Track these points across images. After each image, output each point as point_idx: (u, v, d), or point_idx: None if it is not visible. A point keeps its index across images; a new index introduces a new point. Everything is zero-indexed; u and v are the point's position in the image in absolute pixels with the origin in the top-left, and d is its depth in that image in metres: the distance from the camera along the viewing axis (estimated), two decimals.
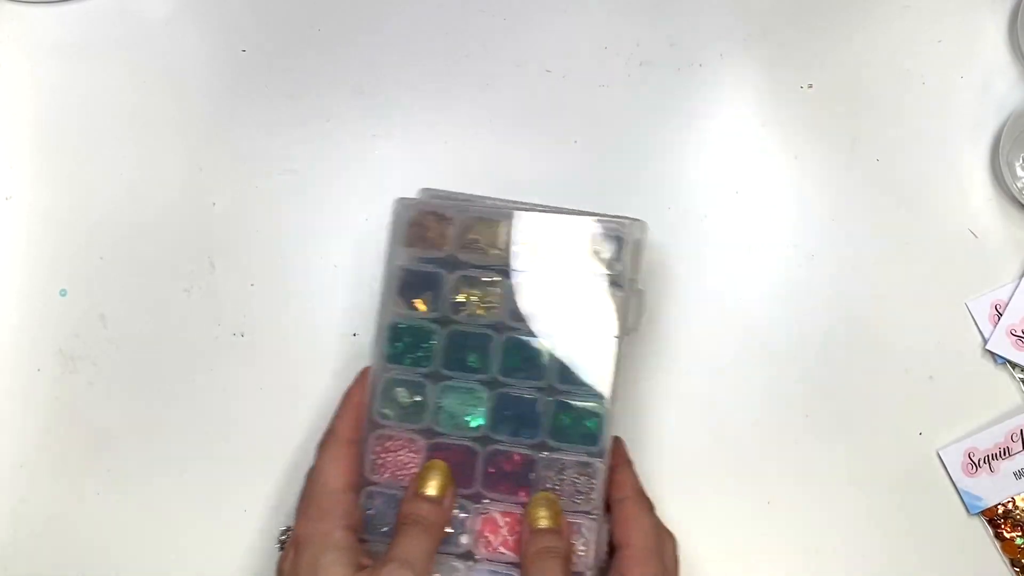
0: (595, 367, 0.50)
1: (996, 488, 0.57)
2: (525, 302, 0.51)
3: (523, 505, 0.49)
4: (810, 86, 0.61)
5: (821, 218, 0.60)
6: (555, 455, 0.50)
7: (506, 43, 0.61)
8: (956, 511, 0.58)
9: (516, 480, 0.50)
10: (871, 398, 0.58)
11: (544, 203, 0.52)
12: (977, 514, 0.57)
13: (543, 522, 0.48)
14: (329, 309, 0.58)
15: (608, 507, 0.50)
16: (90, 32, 0.61)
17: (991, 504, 0.57)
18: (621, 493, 0.50)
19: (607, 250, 0.51)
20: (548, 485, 0.50)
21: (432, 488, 0.49)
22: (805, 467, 0.57)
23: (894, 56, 0.61)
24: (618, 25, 0.61)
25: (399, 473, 0.50)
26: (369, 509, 0.50)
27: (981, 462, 0.57)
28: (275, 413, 0.58)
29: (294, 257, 0.59)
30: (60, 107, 0.60)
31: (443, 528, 0.49)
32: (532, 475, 0.50)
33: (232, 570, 0.57)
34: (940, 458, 0.58)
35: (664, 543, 0.50)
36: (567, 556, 0.48)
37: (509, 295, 0.51)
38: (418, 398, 0.51)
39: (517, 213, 0.51)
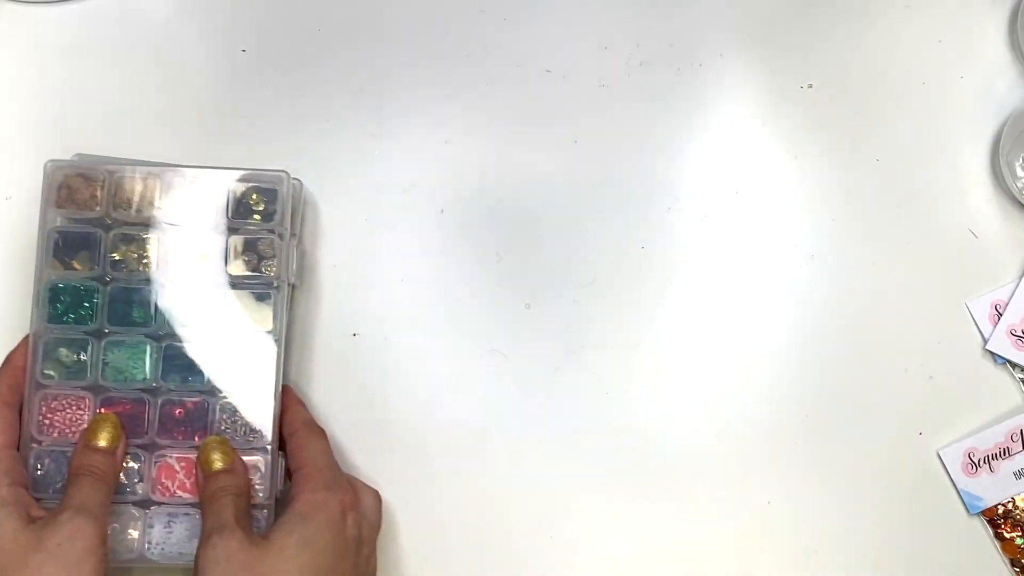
0: (259, 313, 0.52)
1: (996, 488, 0.57)
2: (183, 255, 0.52)
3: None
4: (810, 86, 0.61)
5: (821, 218, 0.60)
6: (227, 399, 0.52)
7: (506, 43, 0.61)
8: (956, 511, 0.58)
9: (190, 426, 0.52)
10: (871, 398, 0.58)
11: (232, 165, 0.54)
12: (977, 514, 0.57)
13: (217, 464, 0.50)
14: (328, 308, 0.58)
15: (284, 444, 0.53)
16: (90, 32, 0.60)
17: (991, 504, 0.57)
18: (293, 427, 0.53)
19: (263, 201, 0.53)
20: (223, 428, 0.52)
21: (102, 440, 0.50)
22: (805, 467, 0.57)
23: (894, 56, 0.61)
24: (618, 25, 0.61)
25: (68, 431, 0.51)
26: (39, 470, 0.51)
27: (981, 462, 0.57)
28: None
29: None
30: (60, 107, 0.60)
31: (116, 477, 0.50)
32: (206, 420, 0.52)
33: None
34: (940, 458, 0.58)
35: (333, 463, 0.53)
36: (243, 492, 0.50)
37: (168, 249, 0.52)
38: (82, 356, 0.52)
39: (167, 170, 0.53)
